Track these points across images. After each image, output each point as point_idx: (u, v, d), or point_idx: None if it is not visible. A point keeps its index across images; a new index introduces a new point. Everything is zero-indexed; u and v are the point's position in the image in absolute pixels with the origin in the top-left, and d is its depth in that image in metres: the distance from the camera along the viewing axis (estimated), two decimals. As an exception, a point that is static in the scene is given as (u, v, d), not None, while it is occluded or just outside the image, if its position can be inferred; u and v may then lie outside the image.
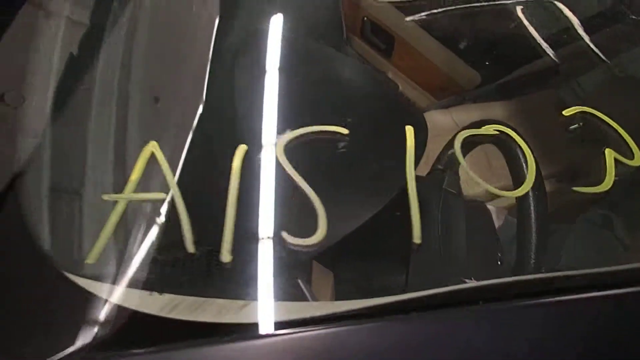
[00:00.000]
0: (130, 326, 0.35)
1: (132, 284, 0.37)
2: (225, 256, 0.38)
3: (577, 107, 0.49)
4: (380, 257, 0.47)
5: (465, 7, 0.61)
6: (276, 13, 0.59)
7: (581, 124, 0.54)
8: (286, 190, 0.42)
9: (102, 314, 0.37)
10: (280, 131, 0.45)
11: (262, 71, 0.53)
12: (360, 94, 0.57)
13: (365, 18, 0.80)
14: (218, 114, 0.48)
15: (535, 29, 0.60)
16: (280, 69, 0.54)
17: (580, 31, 0.58)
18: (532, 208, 0.45)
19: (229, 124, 0.47)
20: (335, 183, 0.44)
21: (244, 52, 0.57)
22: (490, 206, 0.59)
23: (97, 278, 0.37)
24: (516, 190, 0.44)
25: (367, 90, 0.59)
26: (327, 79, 0.57)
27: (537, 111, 0.68)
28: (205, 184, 0.43)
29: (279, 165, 0.43)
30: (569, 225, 0.56)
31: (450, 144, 0.56)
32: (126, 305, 0.36)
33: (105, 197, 0.41)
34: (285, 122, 0.47)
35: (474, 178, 0.43)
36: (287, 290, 0.39)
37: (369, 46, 0.84)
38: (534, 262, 0.44)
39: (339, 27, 0.78)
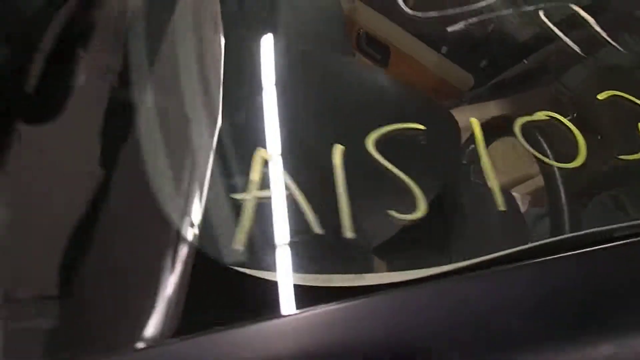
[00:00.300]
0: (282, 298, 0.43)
1: (275, 267, 0.44)
2: (349, 233, 0.46)
3: (609, 90, 0.58)
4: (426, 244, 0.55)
5: (495, 15, 0.70)
6: (285, 32, 0.68)
7: (575, 114, 0.62)
8: (383, 177, 0.50)
9: (252, 290, 0.44)
10: (365, 131, 0.53)
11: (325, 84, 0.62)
12: (404, 96, 0.66)
13: (360, 31, 0.89)
14: (308, 121, 0.56)
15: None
16: (332, 82, 0.63)
17: (597, 28, 0.67)
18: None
19: (320, 128, 0.55)
20: (421, 168, 0.51)
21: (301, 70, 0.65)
22: (515, 193, 0.67)
23: (245, 264, 0.45)
24: (574, 162, 0.52)
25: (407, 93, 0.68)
26: (377, 86, 0.66)
27: (532, 108, 0.76)
28: (312, 180, 0.50)
29: (373, 158, 0.51)
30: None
31: (469, 140, 0.64)
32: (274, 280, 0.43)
33: (236, 196, 0.49)
34: (363, 123, 0.56)
35: (541, 158, 0.51)
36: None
37: (366, 57, 0.92)
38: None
39: (347, 42, 0.86)
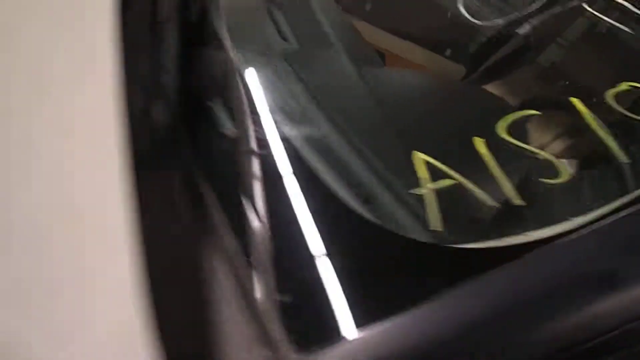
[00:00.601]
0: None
1: (468, 238, 0.56)
2: (517, 201, 0.57)
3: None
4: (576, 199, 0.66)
5: (548, 13, 0.84)
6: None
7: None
8: (522, 155, 0.62)
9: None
10: (490, 121, 0.66)
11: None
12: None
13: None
14: (446, 123, 0.68)
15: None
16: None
17: (634, 8, 0.81)
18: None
19: (456, 127, 0.67)
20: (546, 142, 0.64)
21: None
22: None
23: (446, 240, 0.56)
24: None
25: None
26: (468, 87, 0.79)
27: (524, 84, 0.88)
28: (468, 169, 0.62)
29: (508, 142, 0.63)
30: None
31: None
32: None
33: (413, 191, 0.60)
34: (483, 116, 0.69)
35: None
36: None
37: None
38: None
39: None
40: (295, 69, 0.80)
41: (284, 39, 0.93)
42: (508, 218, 0.57)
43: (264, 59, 0.80)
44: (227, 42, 0.84)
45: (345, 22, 0.95)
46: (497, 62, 0.86)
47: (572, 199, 0.59)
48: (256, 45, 0.83)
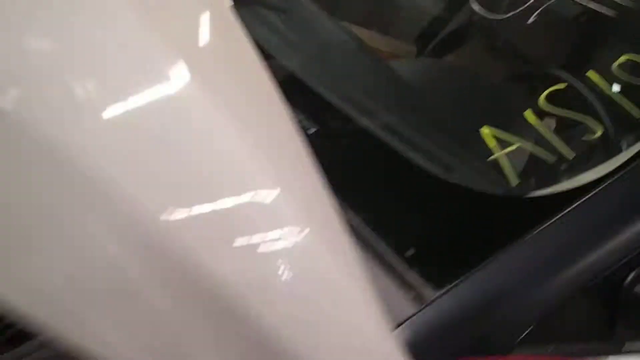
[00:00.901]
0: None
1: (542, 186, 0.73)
2: (569, 155, 0.75)
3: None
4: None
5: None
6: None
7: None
8: (564, 118, 0.81)
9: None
10: (534, 96, 0.83)
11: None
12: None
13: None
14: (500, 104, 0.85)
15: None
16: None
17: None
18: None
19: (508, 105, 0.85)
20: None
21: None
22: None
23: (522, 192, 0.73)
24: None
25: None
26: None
27: (475, 58, 1.08)
28: (524, 133, 0.79)
29: (549, 111, 0.81)
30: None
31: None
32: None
33: (490, 159, 0.76)
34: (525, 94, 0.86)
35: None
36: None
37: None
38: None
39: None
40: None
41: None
42: (568, 167, 0.75)
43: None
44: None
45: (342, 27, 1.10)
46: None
47: (609, 147, 0.78)
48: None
